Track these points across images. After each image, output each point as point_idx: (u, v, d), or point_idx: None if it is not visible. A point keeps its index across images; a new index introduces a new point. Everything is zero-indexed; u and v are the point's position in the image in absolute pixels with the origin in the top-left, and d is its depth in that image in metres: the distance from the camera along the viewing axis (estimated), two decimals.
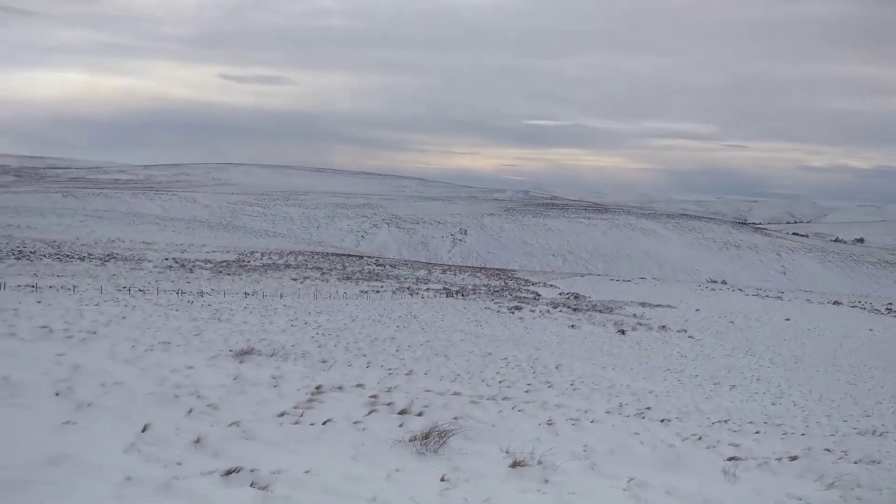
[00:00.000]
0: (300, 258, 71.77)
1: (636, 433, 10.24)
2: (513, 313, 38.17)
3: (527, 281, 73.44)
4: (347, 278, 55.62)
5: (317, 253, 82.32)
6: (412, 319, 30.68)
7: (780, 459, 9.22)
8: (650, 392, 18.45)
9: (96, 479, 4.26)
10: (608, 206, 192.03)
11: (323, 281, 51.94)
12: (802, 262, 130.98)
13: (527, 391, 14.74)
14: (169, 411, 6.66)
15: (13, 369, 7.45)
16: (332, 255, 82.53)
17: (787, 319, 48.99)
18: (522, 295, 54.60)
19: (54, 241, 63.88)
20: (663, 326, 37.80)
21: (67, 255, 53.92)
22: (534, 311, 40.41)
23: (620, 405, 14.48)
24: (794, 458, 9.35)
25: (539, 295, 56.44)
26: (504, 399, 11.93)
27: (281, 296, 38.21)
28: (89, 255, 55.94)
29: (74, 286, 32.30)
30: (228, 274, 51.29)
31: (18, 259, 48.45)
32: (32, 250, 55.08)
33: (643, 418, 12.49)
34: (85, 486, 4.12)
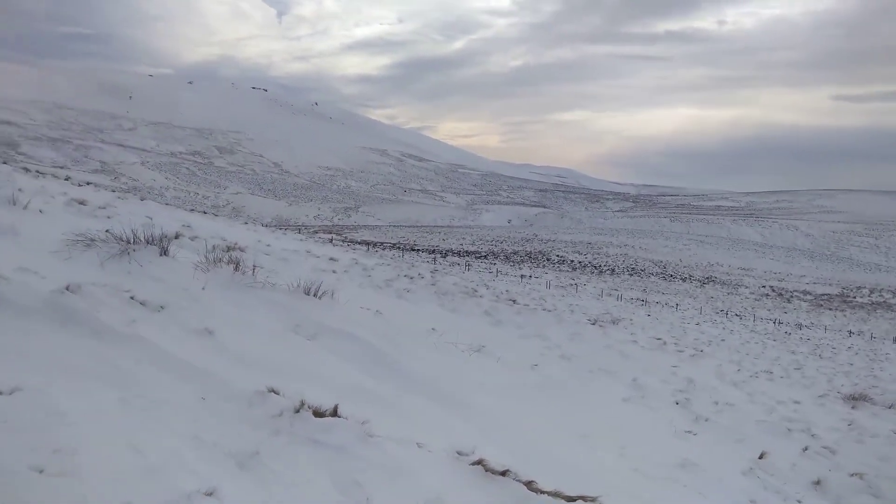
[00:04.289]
0: None
1: None
2: None
3: None
4: None
5: None
6: None
7: None
8: None
9: (720, 492, 4.52)
10: None
11: None
12: None
13: None
14: (782, 443, 6.54)
15: (639, 373, 8.56)
16: None
17: None
18: None
19: (660, 262, 70.50)
20: None
21: (671, 275, 58.83)
22: None
23: None
24: None
25: None
26: None
27: (894, 340, 33.04)
28: (690, 276, 59.71)
29: (677, 304, 34.92)
30: (830, 308, 47.40)
31: (631, 275, 55.41)
32: (642, 268, 62.17)
33: None
34: (711, 495, 4.41)
